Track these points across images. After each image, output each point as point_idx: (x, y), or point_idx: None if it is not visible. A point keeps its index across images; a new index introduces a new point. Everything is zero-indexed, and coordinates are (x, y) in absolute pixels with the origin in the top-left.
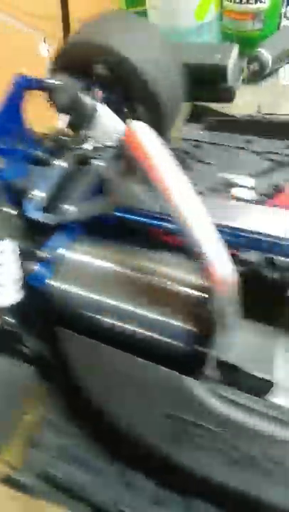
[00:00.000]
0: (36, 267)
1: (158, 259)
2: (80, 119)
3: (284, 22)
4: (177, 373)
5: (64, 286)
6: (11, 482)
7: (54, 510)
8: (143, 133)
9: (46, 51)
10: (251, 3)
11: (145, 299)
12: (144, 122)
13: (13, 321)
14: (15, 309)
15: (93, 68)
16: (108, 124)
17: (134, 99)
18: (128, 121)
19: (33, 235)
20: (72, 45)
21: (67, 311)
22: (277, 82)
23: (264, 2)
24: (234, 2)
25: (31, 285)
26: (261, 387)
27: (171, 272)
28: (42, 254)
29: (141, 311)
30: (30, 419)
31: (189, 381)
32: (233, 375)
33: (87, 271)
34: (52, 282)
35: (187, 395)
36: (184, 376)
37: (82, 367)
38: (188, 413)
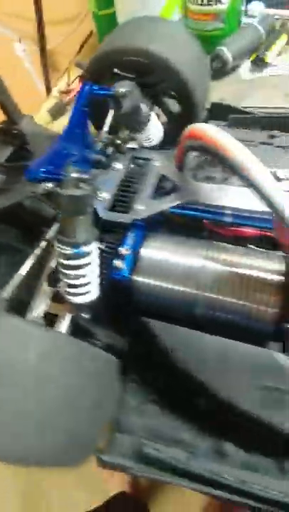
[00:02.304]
0: (119, 264)
1: (229, 249)
2: (134, 126)
3: (244, 20)
4: (267, 350)
5: (147, 280)
6: (103, 463)
7: (52, 481)
8: (210, 128)
9: (22, 51)
10: (211, 5)
11: (227, 287)
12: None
13: (87, 316)
14: (92, 305)
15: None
16: (154, 130)
17: (167, 97)
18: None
19: (107, 235)
20: (113, 49)
21: (152, 302)
22: (238, 78)
23: (223, 3)
24: (196, 3)
25: (114, 280)
26: None
27: (247, 260)
28: (122, 251)
29: (226, 298)
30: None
31: (272, 354)
32: None
33: (165, 264)
34: (135, 277)
35: (275, 367)
36: (269, 351)
37: (165, 351)
38: (278, 383)
